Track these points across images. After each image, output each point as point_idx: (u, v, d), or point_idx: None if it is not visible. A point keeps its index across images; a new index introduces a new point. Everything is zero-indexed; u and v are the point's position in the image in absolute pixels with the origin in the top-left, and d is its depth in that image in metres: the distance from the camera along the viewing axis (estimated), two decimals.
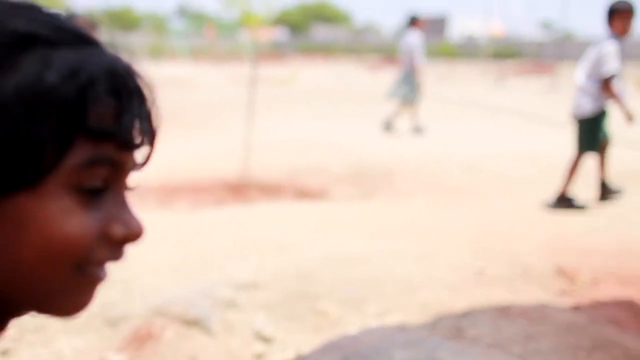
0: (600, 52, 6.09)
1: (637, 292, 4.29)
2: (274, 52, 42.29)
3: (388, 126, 11.18)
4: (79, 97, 0.56)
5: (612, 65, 6.00)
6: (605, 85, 6.05)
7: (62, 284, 0.60)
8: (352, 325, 3.61)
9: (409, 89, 11.24)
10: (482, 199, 6.53)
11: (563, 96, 19.56)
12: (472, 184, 7.19)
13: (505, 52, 40.45)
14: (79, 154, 0.57)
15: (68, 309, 0.63)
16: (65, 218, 0.57)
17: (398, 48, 12.69)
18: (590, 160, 6.50)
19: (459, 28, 65.19)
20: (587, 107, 6.19)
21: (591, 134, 6.21)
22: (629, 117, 6.12)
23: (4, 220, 0.56)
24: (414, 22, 11.35)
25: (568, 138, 10.39)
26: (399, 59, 12.56)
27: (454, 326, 3.62)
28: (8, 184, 0.55)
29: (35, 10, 0.59)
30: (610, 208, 6.25)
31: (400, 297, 3.97)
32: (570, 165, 6.30)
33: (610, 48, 6.03)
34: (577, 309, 4.00)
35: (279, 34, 59.85)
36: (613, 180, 6.56)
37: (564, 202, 6.25)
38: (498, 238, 5.17)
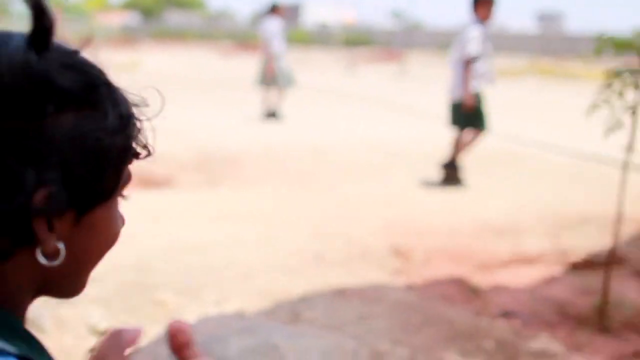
0: (466, 37, 6.53)
1: (466, 268, 4.54)
2: (125, 37, 41.00)
3: (275, 115, 11.20)
4: (135, 133, 0.74)
5: (473, 47, 6.44)
6: (466, 66, 6.41)
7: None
8: (190, 314, 3.57)
9: (281, 74, 11.25)
10: (327, 185, 6.65)
11: (411, 83, 20.31)
12: (319, 169, 7.31)
13: (357, 40, 41.36)
14: (127, 172, 0.74)
15: (80, 290, 0.77)
16: (118, 220, 0.75)
17: (253, 34, 12.66)
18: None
19: (313, 15, 65.97)
20: (460, 92, 6.54)
21: (474, 115, 6.59)
22: (467, 102, 6.48)
23: (87, 226, 0.70)
24: (274, 9, 11.38)
25: (415, 124, 10.81)
26: (259, 46, 12.52)
27: (292, 310, 3.67)
28: (98, 201, 0.70)
29: (80, 54, 0.71)
30: (450, 190, 6.55)
31: (240, 284, 3.97)
32: (463, 142, 6.68)
33: (474, 33, 6.49)
34: (410, 287, 4.16)
35: (130, 18, 58.04)
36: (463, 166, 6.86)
37: (452, 167, 6.67)
38: (339, 222, 5.29)
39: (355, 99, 14.48)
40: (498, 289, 4.21)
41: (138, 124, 0.75)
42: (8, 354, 0.63)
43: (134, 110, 0.75)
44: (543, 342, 3.47)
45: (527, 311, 3.97)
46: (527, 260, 4.82)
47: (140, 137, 0.75)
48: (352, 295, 3.88)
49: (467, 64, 6.42)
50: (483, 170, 7.21)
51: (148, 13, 66.48)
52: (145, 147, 0.76)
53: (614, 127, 3.64)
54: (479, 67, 6.50)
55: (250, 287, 3.95)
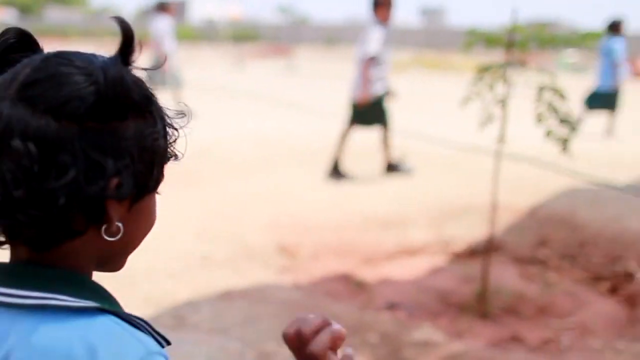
0: (366, 37, 6.65)
1: (352, 263, 4.58)
2: None
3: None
4: (172, 139, 0.90)
5: (372, 47, 6.57)
6: (364, 66, 6.53)
7: None
8: None
9: (170, 74, 10.99)
10: (212, 183, 6.55)
11: (299, 78, 20.37)
12: (204, 167, 7.19)
13: (244, 35, 41.15)
14: (163, 172, 0.88)
15: (121, 267, 0.92)
16: (155, 210, 0.89)
17: (139, 31, 12.34)
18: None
19: (199, 11, 65.13)
20: (360, 92, 6.69)
21: (373, 113, 6.76)
22: (361, 101, 6.64)
23: (136, 212, 0.84)
24: (162, 7, 11.10)
25: (303, 120, 10.83)
26: (148, 44, 12.15)
27: (176, 315, 3.59)
28: (147, 192, 0.85)
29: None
30: (339, 184, 6.60)
31: (122, 291, 3.81)
32: (384, 140, 6.85)
33: (375, 34, 6.61)
34: (296, 285, 4.15)
35: (6, 15, 55.43)
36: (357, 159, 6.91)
37: (392, 167, 6.91)
38: (225, 221, 5.22)
39: (243, 95, 14.39)
40: (383, 282, 4.27)
41: (173, 132, 0.90)
42: (108, 312, 0.77)
43: (170, 120, 0.91)
44: (425, 331, 3.54)
45: (412, 302, 4.04)
46: (412, 252, 4.91)
47: (173, 143, 0.91)
48: (238, 297, 3.83)
49: (366, 63, 6.56)
50: (368, 164, 7.30)
51: (26, 10, 63.76)
52: (173, 151, 0.91)
53: (486, 119, 3.75)
54: (382, 69, 6.68)
55: (132, 293, 3.84)
